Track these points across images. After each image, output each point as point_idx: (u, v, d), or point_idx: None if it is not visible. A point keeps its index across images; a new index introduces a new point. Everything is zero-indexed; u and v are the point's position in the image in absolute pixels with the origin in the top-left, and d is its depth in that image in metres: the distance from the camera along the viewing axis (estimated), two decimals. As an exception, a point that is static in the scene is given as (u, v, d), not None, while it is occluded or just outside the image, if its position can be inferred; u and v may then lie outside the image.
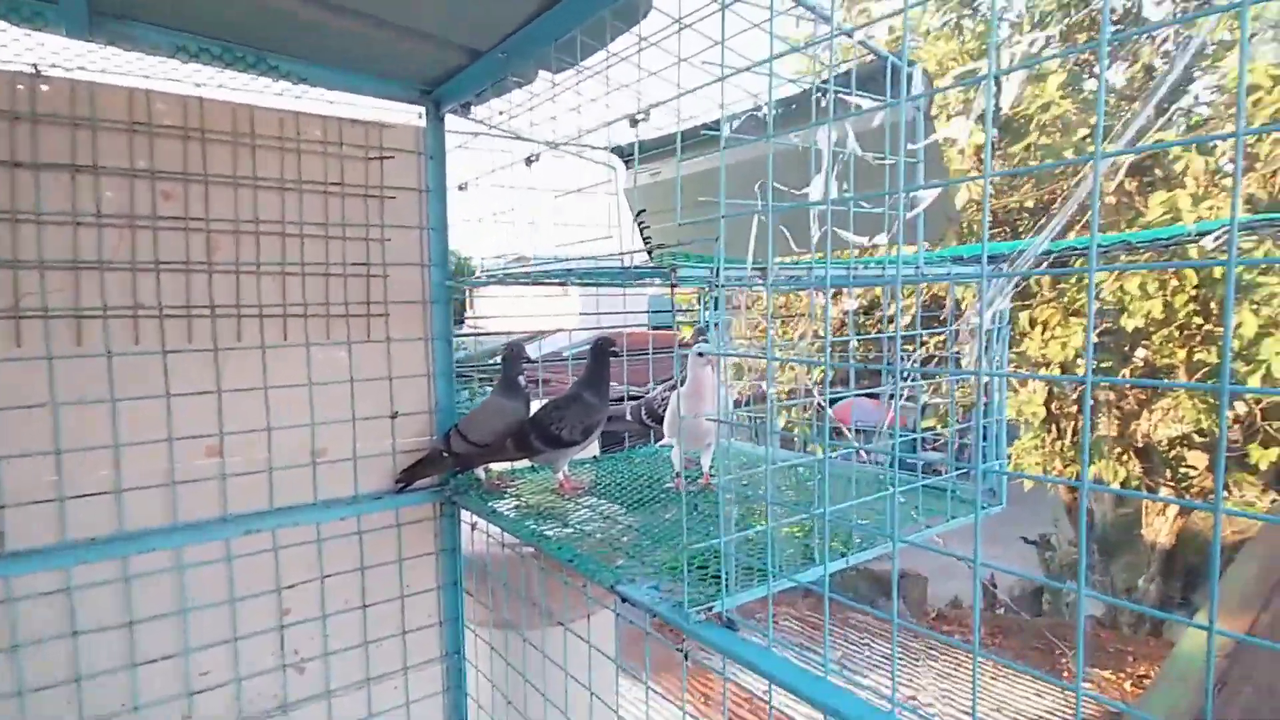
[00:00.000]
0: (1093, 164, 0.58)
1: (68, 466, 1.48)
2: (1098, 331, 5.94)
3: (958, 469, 1.51)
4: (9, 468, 1.42)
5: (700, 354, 1.67)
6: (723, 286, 1.08)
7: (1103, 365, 6.25)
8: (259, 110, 1.63)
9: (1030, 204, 6.25)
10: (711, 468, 1.88)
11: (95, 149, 1.47)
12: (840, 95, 1.14)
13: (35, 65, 1.39)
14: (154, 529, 1.57)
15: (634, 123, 1.26)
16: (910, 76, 1.04)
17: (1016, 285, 1.32)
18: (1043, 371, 6.07)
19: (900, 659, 5.99)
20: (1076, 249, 1.25)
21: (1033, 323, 6.24)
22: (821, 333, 0.98)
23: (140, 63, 1.48)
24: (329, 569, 1.80)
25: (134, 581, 1.56)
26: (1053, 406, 6.83)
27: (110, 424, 1.52)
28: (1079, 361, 5.75)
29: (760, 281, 1.06)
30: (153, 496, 1.57)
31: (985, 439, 1.43)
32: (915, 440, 1.56)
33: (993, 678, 5.67)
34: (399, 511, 1.90)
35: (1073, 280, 5.68)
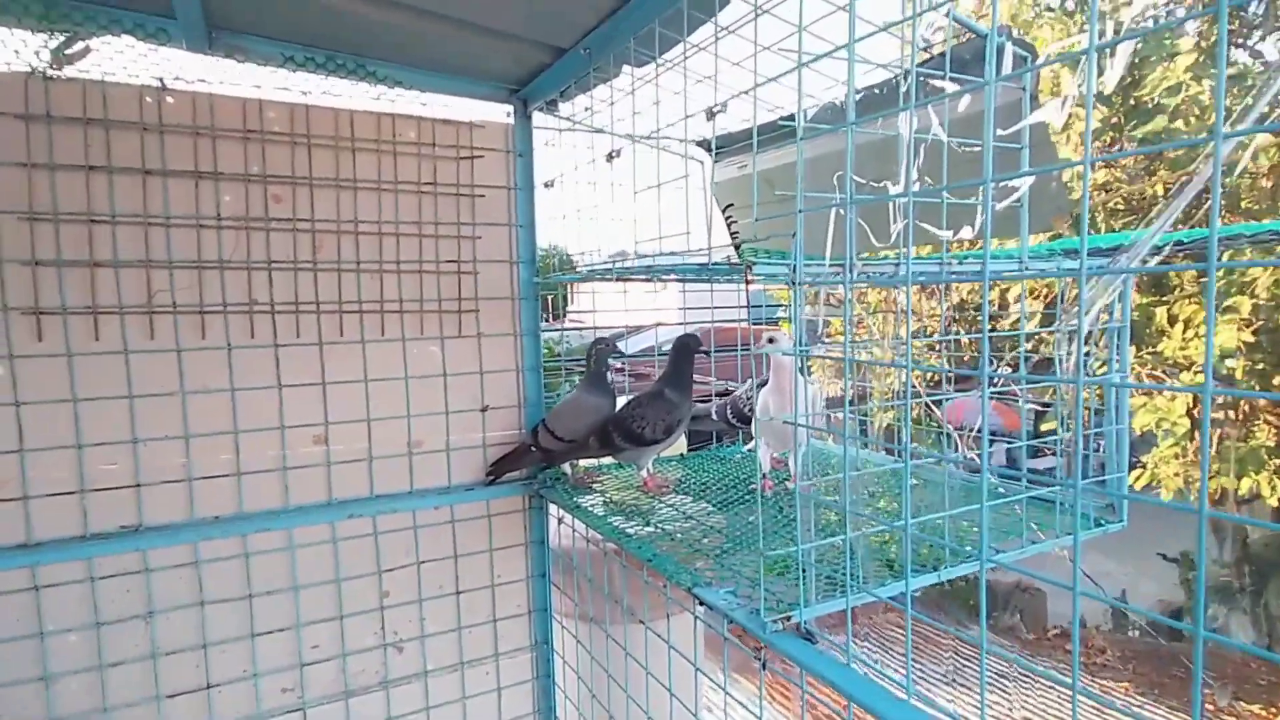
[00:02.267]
0: (1212, 145, 0.50)
1: (195, 450, 1.61)
2: (1252, 330, 5.30)
3: (1069, 482, 1.37)
4: (145, 450, 1.57)
5: (771, 339, 1.61)
6: (800, 284, 1.02)
7: (1257, 367, 5.58)
8: (358, 114, 1.71)
9: (1162, 190, 5.66)
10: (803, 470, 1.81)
11: (215, 156, 1.59)
12: (930, 79, 1.06)
13: (161, 79, 1.51)
14: (269, 510, 1.69)
15: (711, 115, 1.22)
16: (1003, 51, 0.94)
17: (1125, 282, 1.18)
18: (1184, 375, 5.49)
19: (1017, 679, 5.62)
20: (1183, 243, 1.10)
21: (1172, 320, 5.66)
22: (922, 330, 0.91)
23: (253, 74, 1.59)
24: (424, 555, 1.88)
25: (252, 558, 1.68)
26: (1196, 413, 6.17)
27: (230, 412, 1.64)
28: (1227, 363, 5.16)
29: (839, 278, 1.00)
30: (268, 480, 1.69)
31: (1089, 449, 1.30)
32: (1023, 446, 1.44)
33: (1121, 706, 5.21)
34: (489, 503, 1.96)
35: (1223, 272, 5.10)
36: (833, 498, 1.70)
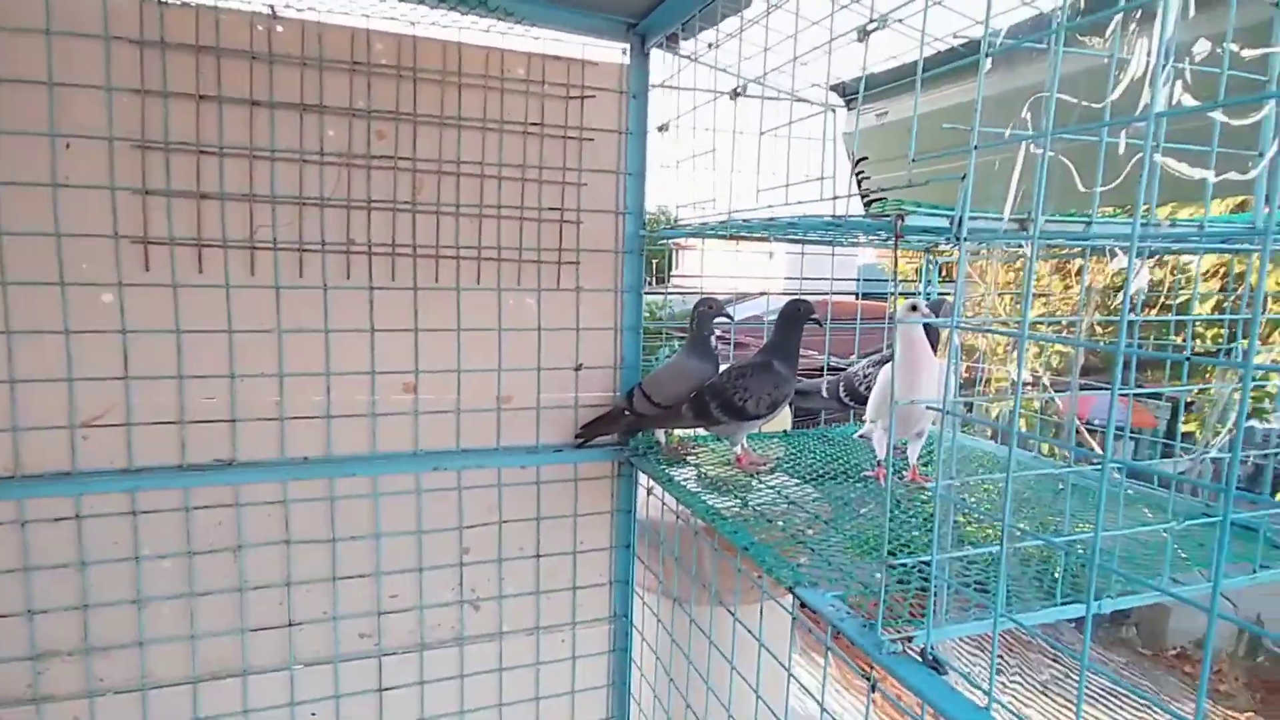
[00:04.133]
0: None
1: (288, 389, 1.60)
2: None
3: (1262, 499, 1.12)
4: (241, 386, 1.56)
5: (915, 308, 1.41)
6: (965, 240, 0.83)
7: None
8: (466, 48, 1.61)
9: None
10: (922, 460, 1.61)
11: (321, 88, 1.53)
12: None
13: (271, 6, 1.46)
14: (356, 455, 1.66)
15: (864, 34, 1.02)
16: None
17: None
18: None
19: (1125, 698, 5.15)
20: None
21: None
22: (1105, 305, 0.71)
23: (362, 1, 1.51)
24: (507, 515, 1.81)
25: (337, 502, 1.66)
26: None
27: (324, 353, 1.61)
28: None
29: (1022, 237, 0.81)
30: (356, 425, 1.66)
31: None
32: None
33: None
34: (577, 466, 1.87)
35: None
36: (973, 501, 1.50)
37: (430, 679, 1.78)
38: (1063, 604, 1.00)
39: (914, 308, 1.41)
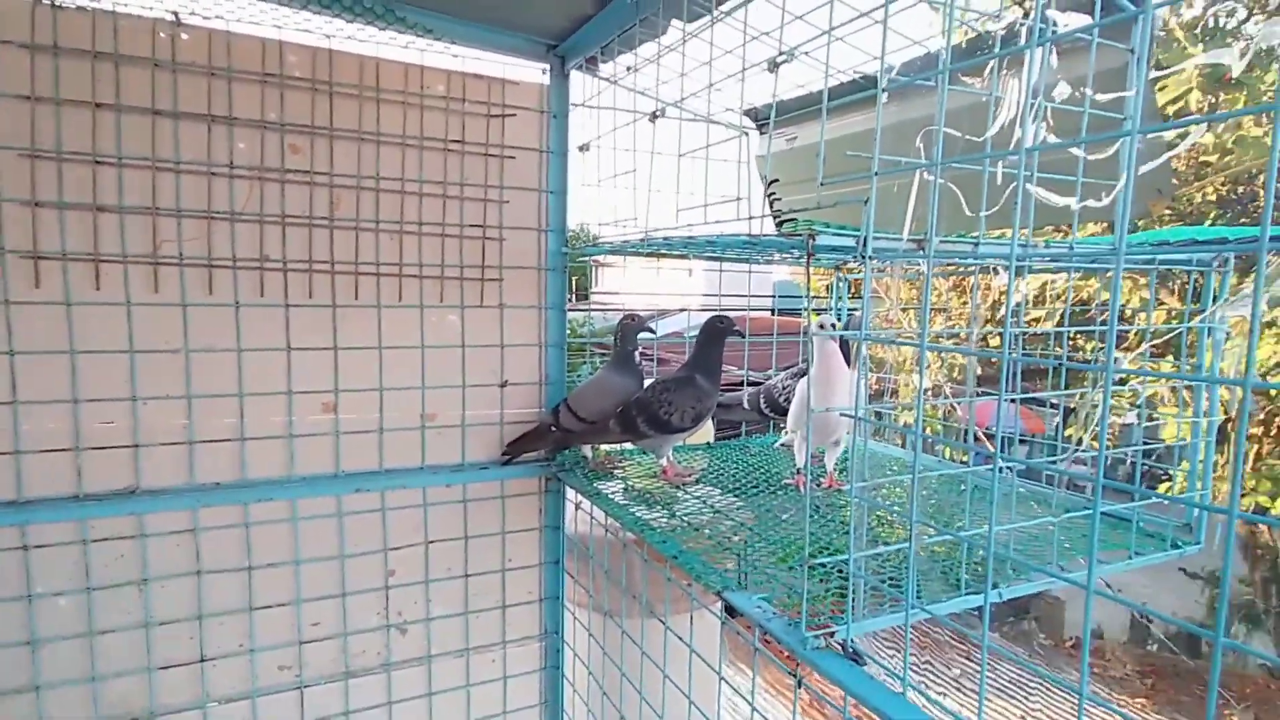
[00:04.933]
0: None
1: (197, 412, 1.52)
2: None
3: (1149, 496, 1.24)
4: (145, 409, 1.48)
5: (822, 326, 1.49)
6: (870, 259, 0.90)
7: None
8: (385, 63, 1.60)
9: None
10: (838, 468, 1.69)
11: (230, 99, 1.48)
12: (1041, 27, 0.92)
13: (175, 13, 1.41)
14: (272, 479, 1.60)
15: (774, 66, 1.09)
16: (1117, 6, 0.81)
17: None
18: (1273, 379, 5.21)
19: (1030, 686, 5.49)
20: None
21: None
22: (985, 320, 0.79)
23: (274, 12, 1.48)
24: (433, 535, 1.78)
25: (253, 528, 1.60)
26: (1231, 427, 5.90)
27: (236, 373, 1.55)
28: (1267, 379, 4.91)
29: (918, 255, 0.88)
30: (272, 447, 1.60)
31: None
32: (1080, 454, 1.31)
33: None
34: (504, 484, 1.86)
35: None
36: (888, 502, 1.58)
37: (356, 709, 1.73)
38: (966, 594, 1.08)
39: (822, 325, 1.49)
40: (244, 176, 1.51)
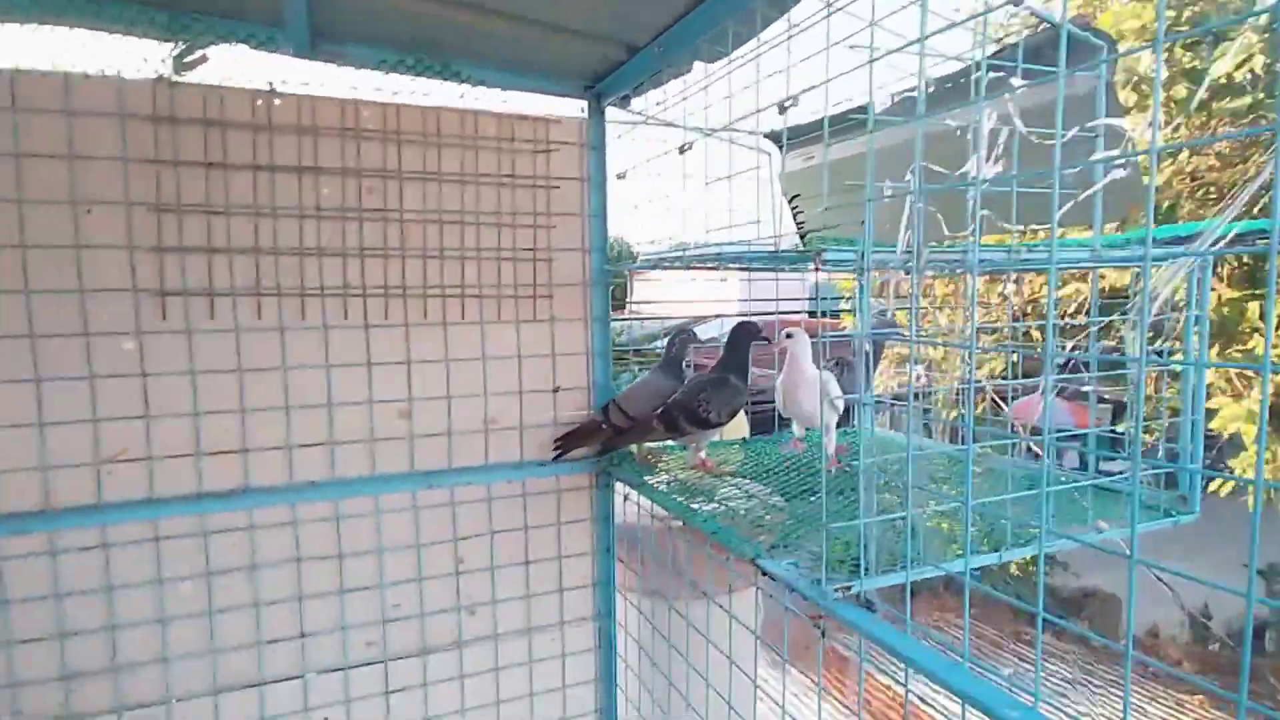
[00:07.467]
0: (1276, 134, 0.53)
1: (294, 420, 1.76)
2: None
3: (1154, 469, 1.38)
4: (251, 419, 1.72)
5: (789, 335, 1.68)
6: (868, 270, 1.07)
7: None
8: (444, 111, 1.82)
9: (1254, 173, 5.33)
10: (851, 453, 1.86)
11: (316, 152, 1.72)
12: (1002, 71, 1.08)
13: (270, 83, 1.65)
14: (359, 477, 1.83)
15: (782, 109, 1.27)
16: (1081, 43, 0.97)
17: (1203, 270, 1.18)
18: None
19: (1081, 687, 5.48)
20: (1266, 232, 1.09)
21: (1264, 315, 5.35)
22: (984, 320, 0.96)
23: (350, 76, 1.71)
24: (497, 526, 1.99)
25: (343, 521, 1.83)
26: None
27: (325, 386, 1.78)
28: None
29: (908, 265, 1.05)
30: (357, 450, 1.83)
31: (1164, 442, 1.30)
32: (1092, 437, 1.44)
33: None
34: (559, 479, 2.06)
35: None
36: (900, 480, 1.74)
37: (432, 681, 1.94)
38: (973, 554, 1.23)
39: (789, 334, 1.69)
40: (329, 217, 1.75)
